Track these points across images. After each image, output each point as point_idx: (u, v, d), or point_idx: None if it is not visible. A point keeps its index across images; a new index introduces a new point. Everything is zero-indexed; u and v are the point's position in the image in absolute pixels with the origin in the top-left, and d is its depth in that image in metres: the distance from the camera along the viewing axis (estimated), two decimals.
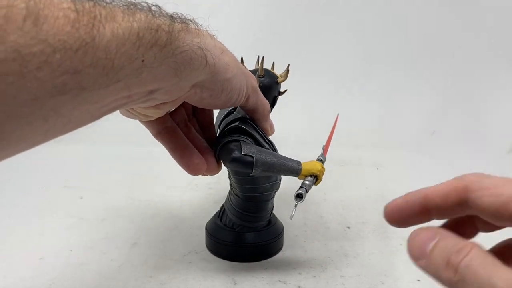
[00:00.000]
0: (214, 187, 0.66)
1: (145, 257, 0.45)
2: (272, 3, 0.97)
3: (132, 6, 0.24)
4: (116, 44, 0.22)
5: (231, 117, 0.42)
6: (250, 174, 0.37)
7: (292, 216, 0.36)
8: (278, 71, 0.44)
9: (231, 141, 0.38)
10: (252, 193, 0.43)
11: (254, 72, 0.42)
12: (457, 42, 0.98)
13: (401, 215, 0.25)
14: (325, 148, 0.45)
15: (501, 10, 0.96)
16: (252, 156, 0.37)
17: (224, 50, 0.32)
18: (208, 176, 0.69)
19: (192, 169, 0.36)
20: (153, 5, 0.26)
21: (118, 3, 0.23)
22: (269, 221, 0.46)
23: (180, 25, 0.26)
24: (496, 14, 0.96)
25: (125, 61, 0.22)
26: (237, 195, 0.44)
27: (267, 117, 0.41)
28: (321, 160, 0.42)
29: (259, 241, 0.45)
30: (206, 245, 0.47)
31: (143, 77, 0.24)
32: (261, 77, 0.42)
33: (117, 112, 0.31)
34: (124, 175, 0.71)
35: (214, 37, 0.32)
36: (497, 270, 0.19)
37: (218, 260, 0.45)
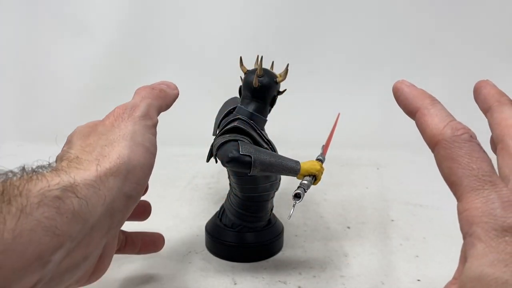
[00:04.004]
0: (214, 187, 0.66)
1: (145, 257, 0.45)
2: (272, 2, 0.97)
3: None
4: None
5: (230, 117, 0.42)
6: (249, 174, 0.37)
7: (290, 216, 0.36)
8: (277, 70, 0.44)
9: (229, 141, 0.38)
10: (252, 193, 0.43)
11: (253, 71, 0.42)
12: (457, 42, 0.97)
13: None
14: (325, 148, 0.45)
15: (501, 10, 0.96)
16: (250, 156, 0.37)
17: (98, 157, 0.26)
18: (208, 176, 0.70)
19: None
20: None
21: None
22: (269, 221, 0.46)
23: (20, 177, 0.22)
24: (497, 13, 0.96)
25: None
26: (236, 195, 0.44)
27: (166, 96, 0.34)
28: (320, 159, 0.42)
29: (259, 241, 0.45)
30: (206, 245, 0.47)
31: (1, 262, 0.19)
32: (260, 77, 0.42)
33: None
34: None
35: (80, 161, 0.26)
36: None
37: (218, 260, 0.45)
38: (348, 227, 0.53)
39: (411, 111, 0.28)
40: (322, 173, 0.39)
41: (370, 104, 0.97)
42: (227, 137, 0.39)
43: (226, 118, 0.42)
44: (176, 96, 0.35)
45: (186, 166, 0.74)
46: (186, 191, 0.65)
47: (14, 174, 0.23)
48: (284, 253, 0.47)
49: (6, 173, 0.22)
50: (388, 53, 0.99)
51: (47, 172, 0.23)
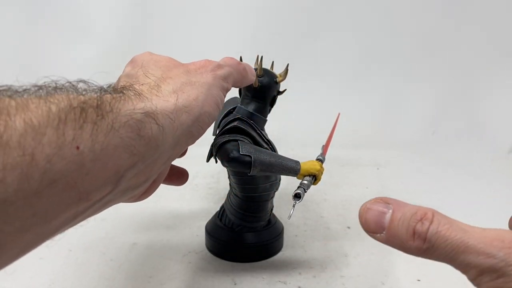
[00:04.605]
0: (214, 187, 0.66)
1: (145, 257, 0.45)
2: (272, 2, 0.97)
3: (48, 88, 0.21)
4: (34, 135, 0.18)
5: (230, 117, 0.42)
6: (249, 174, 0.37)
7: (290, 216, 0.36)
8: (277, 70, 0.44)
9: (229, 141, 0.38)
10: (252, 193, 0.43)
11: None
12: (457, 42, 0.97)
13: None
14: (325, 148, 0.45)
15: (501, 10, 0.96)
16: (250, 156, 0.37)
17: (177, 91, 0.28)
18: (208, 176, 0.70)
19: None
20: (78, 81, 0.23)
21: (32, 89, 0.20)
22: (269, 221, 0.46)
23: (111, 95, 0.23)
24: (496, 13, 0.96)
25: (51, 153, 0.18)
26: (236, 195, 0.44)
27: (246, 76, 0.36)
28: (320, 159, 0.42)
29: (259, 241, 0.45)
30: (206, 245, 0.47)
31: (89, 168, 0.20)
32: (260, 77, 0.42)
33: None
34: None
35: (160, 89, 0.27)
36: (466, 230, 0.21)
37: (218, 260, 0.45)
38: (348, 227, 0.53)
39: None
40: (322, 173, 0.39)
41: (370, 104, 0.97)
42: (227, 137, 0.39)
43: (226, 118, 0.42)
44: (251, 82, 0.37)
45: (186, 166, 0.74)
46: (186, 191, 0.65)
47: (106, 91, 0.24)
48: (284, 253, 0.47)
49: (100, 89, 0.24)
50: (388, 53, 0.99)
51: (132, 94, 0.25)
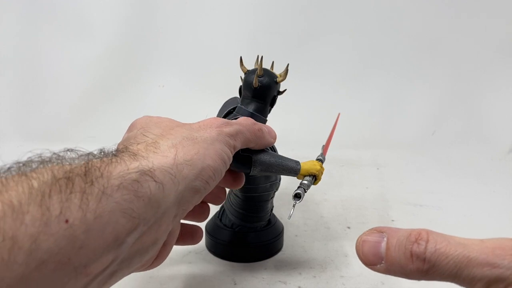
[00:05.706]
0: None
1: None
2: (272, 2, 0.97)
3: (32, 164, 0.20)
4: (14, 217, 0.17)
5: (230, 117, 0.42)
6: (249, 174, 0.37)
7: (290, 216, 0.36)
8: (277, 70, 0.44)
9: None
10: (252, 193, 0.43)
11: (253, 71, 0.42)
12: (457, 42, 0.97)
13: None
14: (325, 148, 0.45)
15: (500, 11, 0.96)
16: (250, 156, 0.37)
17: (177, 145, 0.26)
18: None
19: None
20: (65, 150, 0.22)
21: (14, 166, 0.20)
22: (269, 221, 0.46)
23: (101, 160, 0.22)
24: (496, 14, 0.96)
25: (36, 231, 0.17)
26: (236, 195, 0.44)
27: (261, 137, 0.35)
28: (321, 159, 0.42)
29: (259, 241, 0.45)
30: (206, 245, 0.47)
31: (83, 240, 0.19)
32: (260, 77, 0.42)
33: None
34: None
35: (158, 145, 0.26)
36: (464, 244, 0.20)
37: (218, 260, 0.45)
38: (348, 227, 0.53)
39: None
40: (322, 173, 0.39)
41: (370, 104, 0.97)
42: None
43: (227, 118, 0.42)
44: (269, 144, 0.36)
45: None
46: None
47: (95, 156, 0.23)
48: (284, 253, 0.47)
49: (87, 155, 0.23)
50: (388, 54, 0.99)
51: (125, 155, 0.24)
